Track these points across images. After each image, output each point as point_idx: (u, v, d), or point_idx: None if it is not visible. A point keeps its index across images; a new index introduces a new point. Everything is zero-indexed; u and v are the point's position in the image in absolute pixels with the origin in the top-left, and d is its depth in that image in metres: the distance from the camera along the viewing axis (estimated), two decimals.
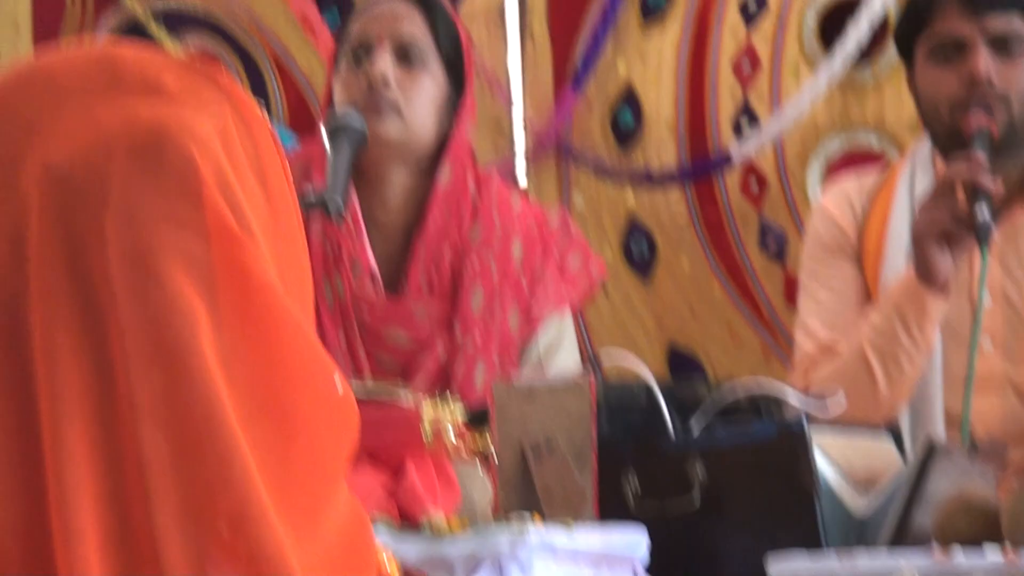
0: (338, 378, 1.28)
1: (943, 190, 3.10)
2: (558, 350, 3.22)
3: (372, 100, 3.08)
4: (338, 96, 3.16)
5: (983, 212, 3.03)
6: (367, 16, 3.21)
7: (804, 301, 3.37)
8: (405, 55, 3.12)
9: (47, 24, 4.34)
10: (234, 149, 1.27)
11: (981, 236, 3.04)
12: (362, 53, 3.15)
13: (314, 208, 2.80)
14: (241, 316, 1.23)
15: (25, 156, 1.23)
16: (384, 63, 3.10)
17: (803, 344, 3.31)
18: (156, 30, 4.23)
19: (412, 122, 3.14)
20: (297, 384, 1.25)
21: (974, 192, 3.04)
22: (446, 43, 3.19)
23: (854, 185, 3.41)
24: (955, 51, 3.23)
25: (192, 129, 1.24)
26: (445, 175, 3.16)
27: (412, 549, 2.17)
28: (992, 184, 3.04)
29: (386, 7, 3.19)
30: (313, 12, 4.07)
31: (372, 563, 1.31)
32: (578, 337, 3.40)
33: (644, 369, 2.62)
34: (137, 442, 1.19)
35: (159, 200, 1.22)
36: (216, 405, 1.19)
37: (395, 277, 3.21)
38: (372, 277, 3.19)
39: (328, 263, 3.14)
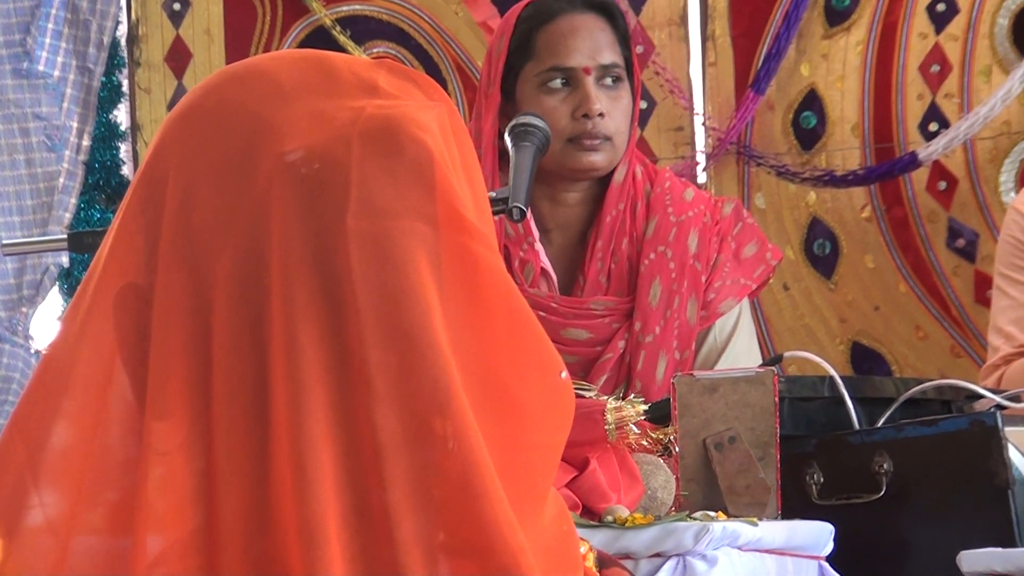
0: (561, 365, 1.28)
1: None
2: (736, 337, 3.22)
3: (586, 133, 3.10)
4: (533, 110, 3.11)
5: None
6: (560, 35, 3.19)
7: (998, 302, 3.37)
8: (607, 78, 3.13)
9: (238, 32, 4.43)
10: (449, 144, 1.28)
11: None
12: (560, 77, 3.16)
13: (496, 210, 2.82)
14: (468, 302, 1.24)
15: (258, 150, 1.25)
16: (598, 99, 3.12)
17: (997, 345, 3.31)
18: (342, 36, 4.32)
19: (620, 146, 3.17)
20: (522, 369, 1.25)
21: None
22: (627, 49, 3.22)
23: None
24: None
25: (420, 122, 1.26)
26: (620, 174, 3.19)
27: (595, 541, 2.13)
28: None
29: (580, 25, 3.19)
30: (494, 18, 4.11)
31: (579, 554, 1.31)
32: (759, 334, 3.41)
33: (827, 364, 2.63)
34: (372, 425, 1.20)
35: (396, 189, 1.24)
36: (449, 388, 1.21)
37: (571, 277, 3.23)
38: (548, 279, 3.22)
39: None
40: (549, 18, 3.21)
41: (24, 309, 4.38)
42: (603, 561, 1.39)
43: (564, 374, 1.29)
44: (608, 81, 3.13)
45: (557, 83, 3.17)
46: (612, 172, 3.20)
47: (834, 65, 4.04)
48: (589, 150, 3.10)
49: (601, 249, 3.19)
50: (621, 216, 3.20)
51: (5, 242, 3.29)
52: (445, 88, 4.21)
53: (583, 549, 1.34)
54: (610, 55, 3.17)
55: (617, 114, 3.14)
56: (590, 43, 3.18)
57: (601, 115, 3.10)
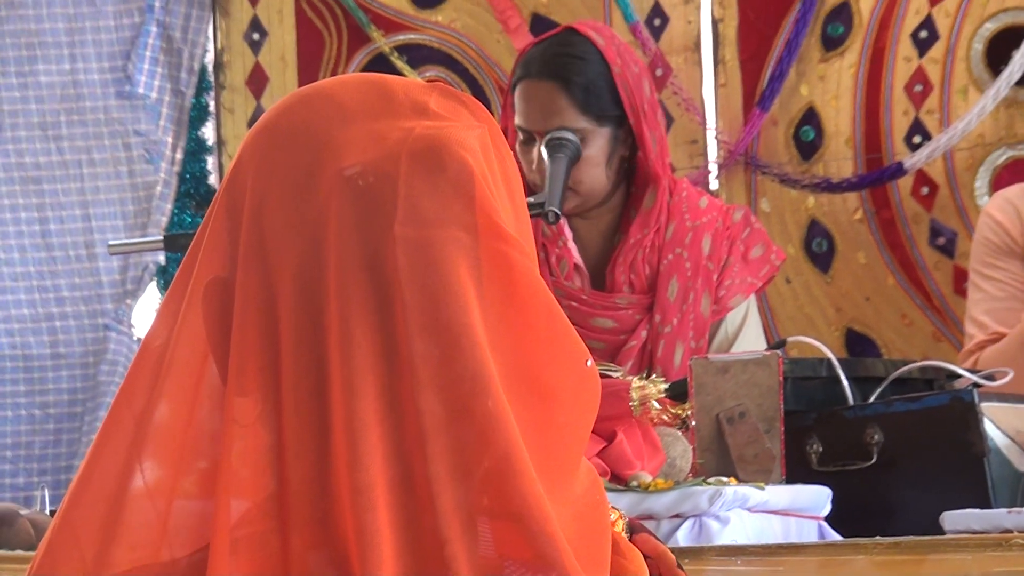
0: (587, 355, 1.27)
1: None
2: (744, 328, 3.21)
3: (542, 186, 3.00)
4: (518, 151, 3.08)
5: None
6: (521, 98, 3.14)
7: (973, 295, 3.35)
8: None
9: (309, 58, 4.44)
10: (490, 160, 1.28)
11: None
12: (523, 135, 3.10)
13: (533, 213, 2.77)
14: (504, 301, 1.23)
15: (321, 166, 1.25)
16: (543, 160, 3.03)
17: (973, 333, 3.30)
18: (399, 61, 4.32)
19: (586, 193, 3.11)
20: (552, 359, 1.24)
21: None
22: (597, 104, 3.11)
23: (1019, 193, 3.37)
24: None
25: (462, 142, 1.26)
26: (649, 201, 3.17)
27: (621, 504, 2.14)
28: None
29: (533, 93, 3.12)
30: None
31: (608, 520, 1.29)
32: (764, 321, 3.41)
33: (825, 348, 2.62)
34: (416, 407, 1.19)
35: (439, 201, 1.23)
36: (485, 376, 1.20)
37: (599, 274, 3.22)
38: (580, 274, 3.21)
39: (539, 263, 3.09)
40: (517, 81, 3.18)
41: (128, 301, 4.39)
42: (633, 527, 1.37)
43: (590, 362, 1.27)
44: (546, 149, 3.04)
45: (522, 138, 3.13)
46: (636, 195, 3.17)
47: (830, 85, 4.02)
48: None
49: (624, 257, 3.18)
50: (643, 231, 3.18)
51: (111, 243, 3.30)
52: (488, 107, 4.21)
53: (613, 516, 1.32)
54: (560, 120, 3.07)
55: (580, 173, 3.05)
56: (539, 110, 3.11)
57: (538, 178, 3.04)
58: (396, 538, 1.18)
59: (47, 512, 2.94)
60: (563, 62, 3.13)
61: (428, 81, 1.34)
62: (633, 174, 3.22)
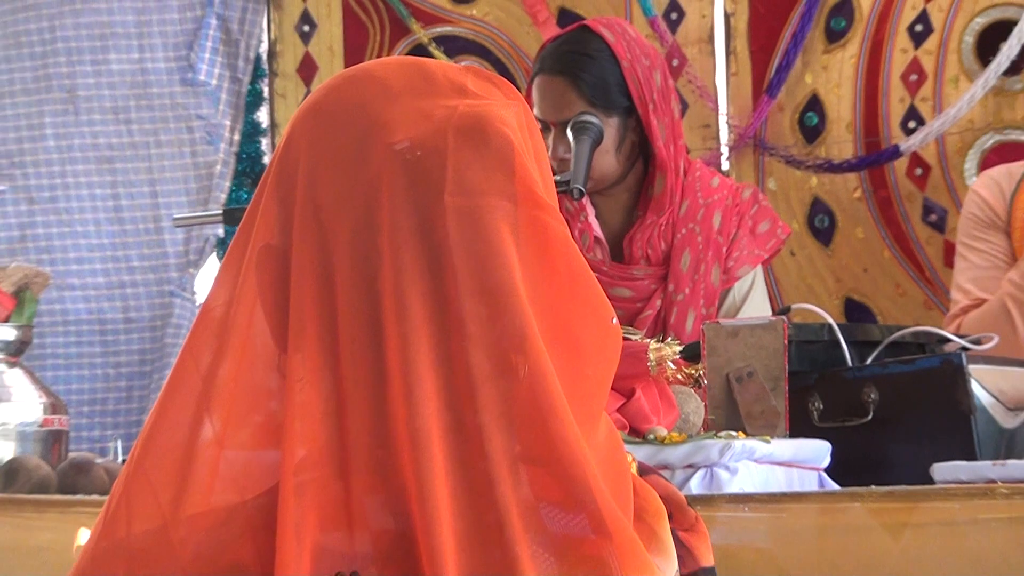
0: (613, 313, 1.28)
1: None
2: (751, 296, 3.20)
3: (560, 170, 2.97)
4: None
5: None
6: (536, 91, 3.12)
7: (959, 264, 3.35)
8: (570, 130, 3.00)
9: (354, 48, 4.44)
10: (525, 136, 1.28)
11: None
12: (542, 125, 3.07)
13: (559, 191, 2.78)
14: (540, 263, 1.23)
15: (371, 141, 1.24)
16: (557, 147, 3.03)
17: (958, 299, 3.30)
18: (436, 51, 4.32)
19: (597, 177, 3.09)
20: (583, 316, 1.25)
21: None
22: (605, 97, 3.09)
23: (1003, 172, 3.37)
24: None
25: (503, 118, 1.26)
26: (659, 187, 3.14)
27: (639, 455, 2.14)
28: None
29: (545, 86, 3.11)
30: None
31: (627, 462, 1.30)
32: (769, 290, 3.40)
33: (826, 315, 2.60)
34: (466, 361, 1.20)
35: (484, 172, 1.23)
36: (528, 333, 1.20)
37: (618, 247, 3.21)
38: (601, 246, 3.20)
39: None
40: (534, 75, 3.18)
41: (190, 270, 4.41)
42: (643, 469, 1.38)
43: (615, 320, 1.28)
44: (571, 131, 3.00)
45: (543, 127, 3.10)
46: (649, 180, 3.16)
47: (832, 75, 4.01)
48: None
49: (641, 234, 3.17)
50: (658, 213, 3.16)
51: (175, 217, 3.30)
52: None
53: (628, 458, 1.33)
54: (570, 112, 3.06)
55: (573, 155, 2.99)
56: (552, 103, 3.10)
57: (563, 159, 3.02)
58: (451, 480, 1.19)
59: (119, 461, 2.96)
60: (573, 59, 3.12)
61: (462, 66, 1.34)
62: (651, 156, 3.21)
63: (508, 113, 1.27)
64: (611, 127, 3.10)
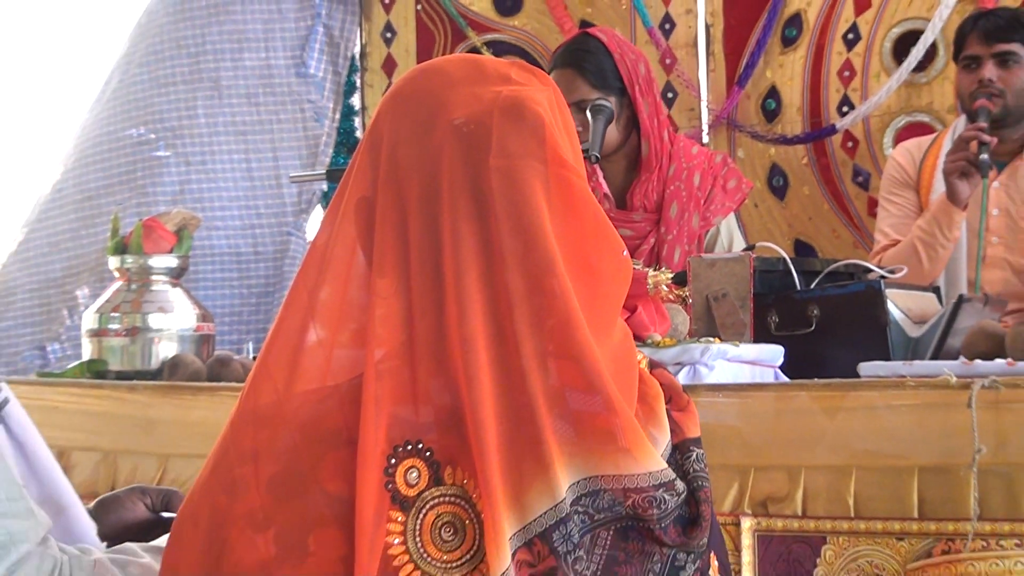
0: (623, 247, 1.28)
1: (959, 144, 3.05)
2: (724, 237, 3.18)
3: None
4: None
5: (984, 156, 2.98)
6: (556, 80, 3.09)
7: (880, 214, 3.34)
8: (580, 111, 2.99)
9: (424, 49, 4.41)
10: (555, 113, 1.27)
11: (983, 171, 2.99)
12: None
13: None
14: (565, 208, 1.23)
15: (437, 118, 1.24)
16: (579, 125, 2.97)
17: (879, 239, 3.29)
18: (486, 52, 4.29)
19: (605, 145, 3.03)
20: (599, 249, 1.24)
21: (979, 144, 2.99)
22: (603, 81, 3.06)
23: (915, 143, 3.37)
24: (975, 64, 3.17)
25: (537, 100, 1.25)
26: (645, 150, 3.12)
27: (648, 357, 2.17)
28: (988, 139, 2.99)
29: (559, 78, 3.07)
30: None
31: (636, 360, 1.30)
32: (741, 233, 3.39)
33: (781, 250, 2.60)
34: (506, 284, 1.20)
35: (521, 141, 1.23)
36: (553, 261, 1.20)
37: (621, 199, 3.19)
38: (608, 200, 3.18)
39: None
40: (550, 70, 3.15)
41: (302, 216, 4.41)
42: (652, 364, 1.36)
43: (625, 252, 1.28)
44: (590, 112, 2.98)
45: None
46: (641, 150, 3.12)
47: (786, 71, 3.96)
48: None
49: (639, 189, 3.15)
50: (650, 171, 3.14)
51: (291, 175, 3.31)
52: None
53: (639, 357, 1.32)
54: (578, 95, 3.04)
55: (590, 129, 2.97)
56: (564, 88, 3.05)
57: (581, 132, 2.97)
58: (492, 371, 1.18)
59: (250, 358, 2.97)
60: (577, 54, 3.11)
61: (508, 60, 1.33)
62: (639, 128, 3.16)
63: (542, 96, 1.26)
64: (611, 104, 3.07)
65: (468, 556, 1.18)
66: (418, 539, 1.19)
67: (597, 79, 3.08)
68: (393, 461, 1.19)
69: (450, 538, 1.19)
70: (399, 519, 1.19)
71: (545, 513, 1.17)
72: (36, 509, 1.26)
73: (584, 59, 3.10)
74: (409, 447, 1.20)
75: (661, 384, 1.31)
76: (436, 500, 1.19)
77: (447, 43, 4.36)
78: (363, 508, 1.17)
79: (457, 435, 1.19)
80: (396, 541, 1.18)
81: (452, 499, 1.19)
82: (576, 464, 1.19)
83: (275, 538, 1.18)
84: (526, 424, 1.18)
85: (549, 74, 3.11)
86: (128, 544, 1.37)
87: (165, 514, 1.52)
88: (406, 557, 1.18)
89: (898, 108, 3.82)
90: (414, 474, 1.20)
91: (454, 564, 1.18)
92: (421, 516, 1.19)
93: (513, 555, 1.16)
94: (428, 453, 1.20)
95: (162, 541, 1.33)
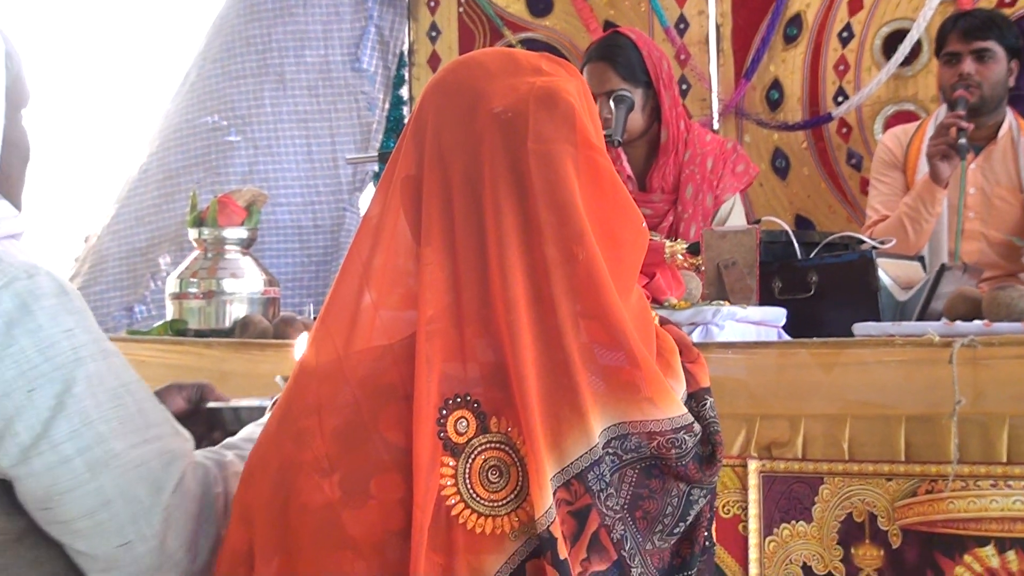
0: (642, 219, 1.27)
1: (941, 130, 3.05)
2: (733, 213, 3.17)
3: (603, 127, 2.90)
4: None
5: (962, 140, 2.98)
6: (587, 75, 3.04)
7: (871, 192, 3.33)
8: (611, 100, 2.95)
9: (466, 47, 4.38)
10: (583, 102, 1.26)
11: (962, 153, 2.99)
12: (596, 98, 2.97)
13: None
14: (593, 185, 1.22)
15: (477, 106, 1.23)
16: (601, 110, 2.93)
17: (870, 215, 3.29)
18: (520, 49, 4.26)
19: (630, 131, 3.04)
20: (621, 221, 1.24)
21: (958, 130, 2.99)
22: (632, 73, 3.05)
23: (902, 129, 3.36)
24: (955, 59, 3.15)
25: (568, 89, 1.24)
26: (664, 136, 3.12)
27: (659, 315, 2.16)
28: (967, 125, 2.99)
29: (592, 70, 3.06)
30: None
31: (652, 318, 1.30)
32: (746, 209, 3.38)
33: (783, 223, 2.59)
34: (542, 253, 1.19)
35: (554, 127, 1.22)
36: (584, 232, 1.19)
37: (642, 181, 3.17)
38: (631, 182, 3.17)
39: None
40: (584, 64, 3.13)
41: (356, 193, 4.41)
42: (662, 321, 1.36)
43: (643, 224, 1.27)
44: (613, 101, 2.95)
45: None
46: (661, 136, 3.10)
47: (788, 65, 3.93)
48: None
49: (658, 171, 3.13)
50: (668, 155, 3.13)
51: (347, 157, 3.31)
52: None
53: (652, 314, 1.32)
54: (609, 86, 3.03)
55: (614, 117, 2.94)
56: (597, 79, 3.05)
57: (605, 119, 2.94)
58: (532, 330, 1.18)
59: (311, 319, 2.97)
60: (610, 50, 3.10)
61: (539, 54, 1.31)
62: (660, 118, 3.15)
63: (571, 86, 1.25)
64: (637, 95, 3.08)
65: (512, 496, 1.18)
66: (468, 481, 1.19)
67: (627, 72, 3.08)
68: (444, 412, 1.19)
69: (496, 480, 1.19)
70: (451, 464, 1.19)
71: (581, 456, 1.17)
72: (180, 428, 1.28)
73: (616, 54, 3.10)
74: (458, 400, 1.19)
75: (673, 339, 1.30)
76: (483, 446, 1.19)
77: (486, 42, 4.33)
78: (419, 455, 1.17)
79: (501, 388, 1.19)
80: (448, 483, 1.18)
81: (498, 445, 1.19)
82: (607, 412, 1.19)
83: (340, 482, 1.19)
84: (563, 377, 1.18)
85: (584, 67, 3.13)
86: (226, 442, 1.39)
87: (205, 405, 1.53)
88: (457, 498, 1.19)
89: (887, 98, 3.79)
90: (463, 424, 1.19)
91: (500, 503, 1.19)
92: (470, 461, 1.19)
93: (554, 494, 1.16)
94: (476, 405, 1.19)
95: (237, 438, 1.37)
